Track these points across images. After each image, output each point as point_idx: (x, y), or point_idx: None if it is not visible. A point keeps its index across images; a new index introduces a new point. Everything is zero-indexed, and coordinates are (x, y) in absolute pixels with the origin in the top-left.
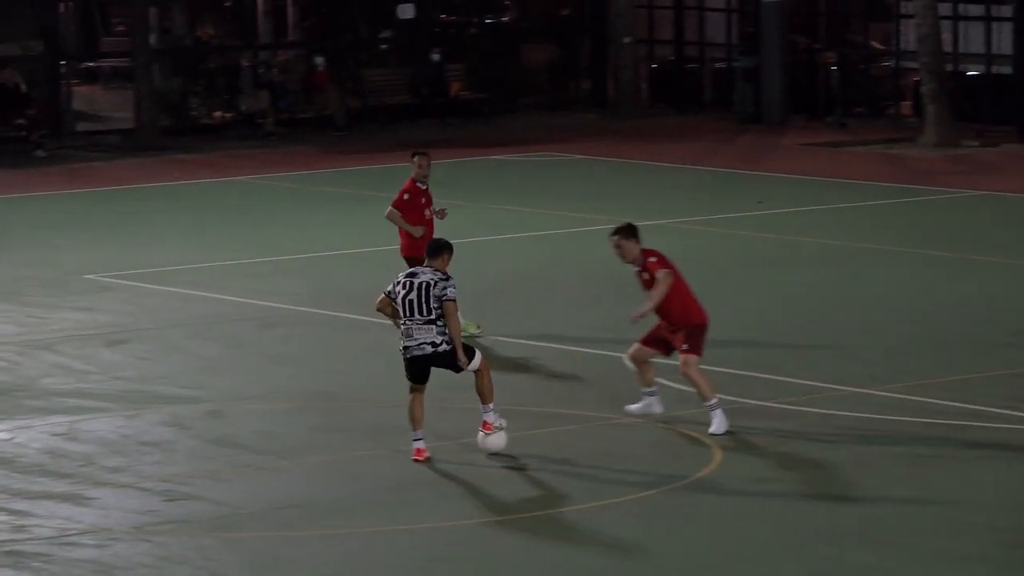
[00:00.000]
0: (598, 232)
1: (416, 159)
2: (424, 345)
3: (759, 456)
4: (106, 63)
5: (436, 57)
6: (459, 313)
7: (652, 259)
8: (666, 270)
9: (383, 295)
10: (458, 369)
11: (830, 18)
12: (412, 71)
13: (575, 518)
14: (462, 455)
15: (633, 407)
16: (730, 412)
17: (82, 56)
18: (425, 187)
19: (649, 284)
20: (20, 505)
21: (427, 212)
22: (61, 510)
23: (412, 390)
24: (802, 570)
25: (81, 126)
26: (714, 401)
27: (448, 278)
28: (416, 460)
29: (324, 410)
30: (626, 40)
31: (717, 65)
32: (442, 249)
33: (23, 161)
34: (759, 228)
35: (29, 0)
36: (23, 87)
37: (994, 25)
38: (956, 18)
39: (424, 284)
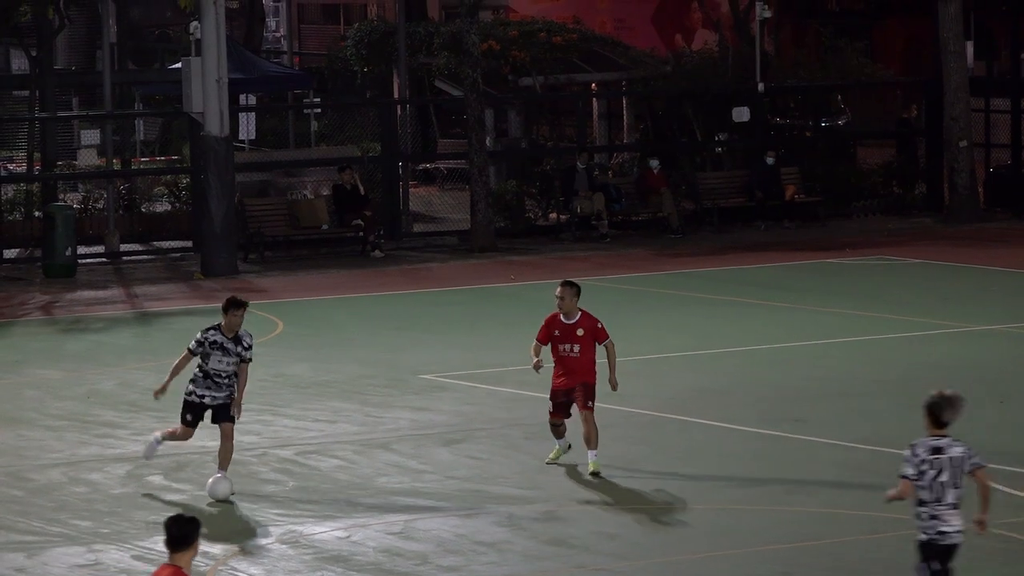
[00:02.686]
0: (932, 337)
1: (557, 290)
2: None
3: None
4: (442, 164)
5: (771, 160)
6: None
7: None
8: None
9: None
10: None
11: None
12: (747, 174)
13: None
14: (797, 557)
15: None
16: None
17: (419, 158)
18: (570, 321)
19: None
20: None
21: (562, 348)
22: None
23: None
24: None
25: (417, 227)
26: None
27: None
28: None
29: (660, 511)
30: (962, 144)
31: None
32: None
33: (361, 261)
34: None
35: (369, 103)
36: (361, 189)
37: None
38: None
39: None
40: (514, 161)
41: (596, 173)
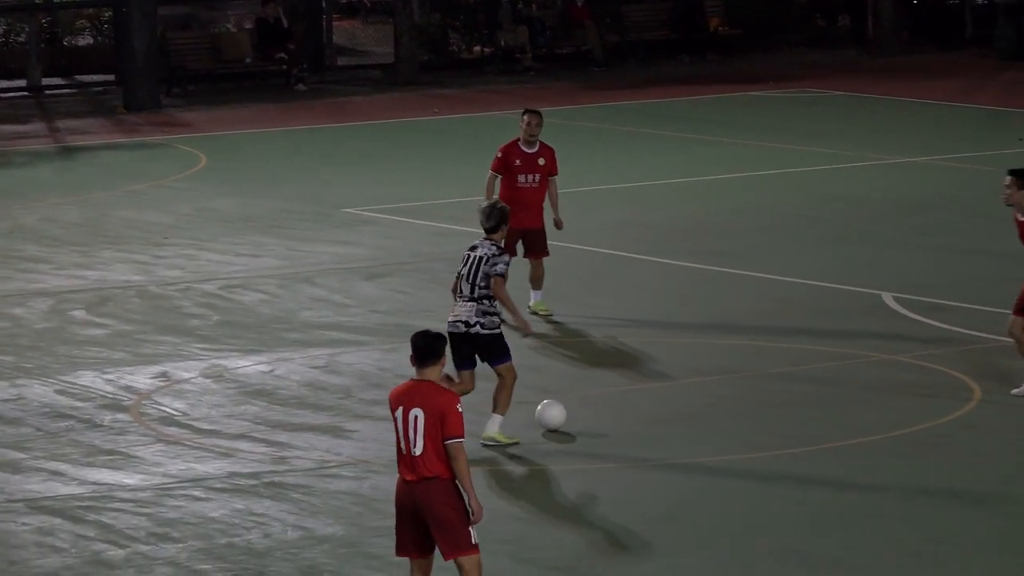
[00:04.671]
0: (855, 169)
1: (525, 117)
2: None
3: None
4: None
5: None
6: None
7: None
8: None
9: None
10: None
11: None
12: (671, 6)
13: (831, 456)
14: (722, 389)
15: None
16: (991, 351)
17: None
18: (531, 150)
19: None
20: (281, 437)
21: (522, 178)
22: (320, 442)
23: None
24: None
25: (341, 61)
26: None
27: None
28: None
29: (586, 344)
30: None
31: (979, 1)
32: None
33: (284, 95)
34: (1020, 165)
35: None
36: (285, 22)
37: None
38: None
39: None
40: None
41: (520, 6)
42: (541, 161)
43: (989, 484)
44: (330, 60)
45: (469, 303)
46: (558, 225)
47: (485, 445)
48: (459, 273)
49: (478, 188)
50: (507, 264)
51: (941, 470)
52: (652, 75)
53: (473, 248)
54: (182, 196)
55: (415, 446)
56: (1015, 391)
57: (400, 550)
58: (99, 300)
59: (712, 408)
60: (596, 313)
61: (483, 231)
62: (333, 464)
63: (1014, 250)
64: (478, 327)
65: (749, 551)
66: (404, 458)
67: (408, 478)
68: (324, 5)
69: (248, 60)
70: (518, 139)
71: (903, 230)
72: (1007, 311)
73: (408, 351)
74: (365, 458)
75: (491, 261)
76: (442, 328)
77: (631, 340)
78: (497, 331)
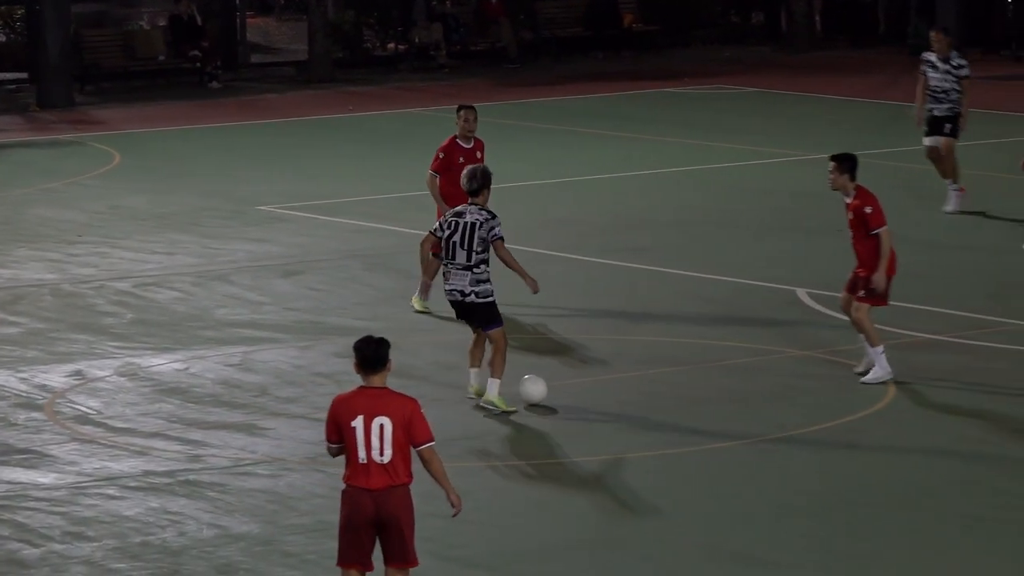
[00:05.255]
0: (771, 165)
1: (461, 113)
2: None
3: (931, 391)
4: None
5: None
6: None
7: None
8: None
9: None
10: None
11: None
12: (585, 3)
13: (747, 451)
14: (639, 385)
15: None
16: (905, 346)
17: None
18: (469, 145)
19: None
20: (195, 435)
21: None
22: (236, 440)
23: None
24: (975, 505)
25: (255, 58)
26: None
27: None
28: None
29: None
30: None
31: None
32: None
33: (197, 92)
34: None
35: None
36: (198, 19)
37: None
38: None
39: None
40: None
41: (434, 3)
42: (478, 154)
43: (904, 479)
44: (244, 57)
45: (463, 271)
46: None
47: (482, 407)
48: (445, 239)
49: (393, 185)
50: (501, 226)
51: (856, 465)
52: (566, 72)
53: (459, 215)
54: (96, 194)
55: (382, 454)
56: (863, 375)
57: (346, 561)
58: (12, 298)
59: (629, 404)
60: (512, 310)
61: (466, 193)
62: (248, 462)
63: (928, 242)
64: (473, 296)
65: (672, 548)
66: (365, 467)
67: (373, 487)
68: (238, 2)
69: (162, 58)
70: (455, 136)
71: (819, 226)
72: (921, 306)
73: (326, 349)
74: (280, 456)
75: (485, 226)
76: (363, 327)
77: (547, 337)
78: (491, 299)
